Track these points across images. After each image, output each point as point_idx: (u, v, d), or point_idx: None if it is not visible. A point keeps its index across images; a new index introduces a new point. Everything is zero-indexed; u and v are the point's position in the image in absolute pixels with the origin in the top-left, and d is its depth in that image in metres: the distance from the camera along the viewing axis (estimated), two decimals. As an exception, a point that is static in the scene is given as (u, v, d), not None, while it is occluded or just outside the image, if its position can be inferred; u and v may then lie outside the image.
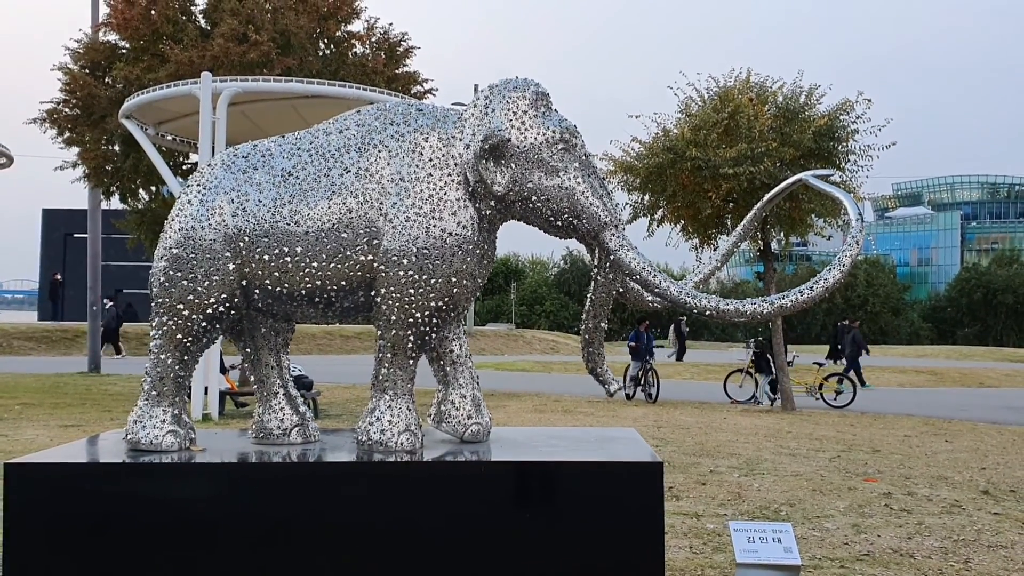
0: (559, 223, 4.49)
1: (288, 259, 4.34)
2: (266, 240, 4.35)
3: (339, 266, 4.34)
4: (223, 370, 13.48)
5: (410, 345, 4.41)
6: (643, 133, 16.23)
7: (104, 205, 21.70)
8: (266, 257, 4.35)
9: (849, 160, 15.91)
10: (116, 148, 17.16)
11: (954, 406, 18.03)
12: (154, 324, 4.50)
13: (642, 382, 17.93)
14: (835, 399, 17.10)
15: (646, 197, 16.63)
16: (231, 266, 4.39)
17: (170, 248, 4.44)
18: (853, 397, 16.96)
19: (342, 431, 5.18)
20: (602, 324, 4.82)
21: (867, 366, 29.91)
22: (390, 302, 4.33)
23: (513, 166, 4.38)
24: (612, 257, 4.49)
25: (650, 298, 4.79)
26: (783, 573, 4.30)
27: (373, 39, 18.13)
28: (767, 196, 5.25)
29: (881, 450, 10.77)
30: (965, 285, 63.06)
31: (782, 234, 17.30)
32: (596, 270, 4.69)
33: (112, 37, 17.06)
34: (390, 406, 4.45)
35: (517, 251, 65.20)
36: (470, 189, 4.41)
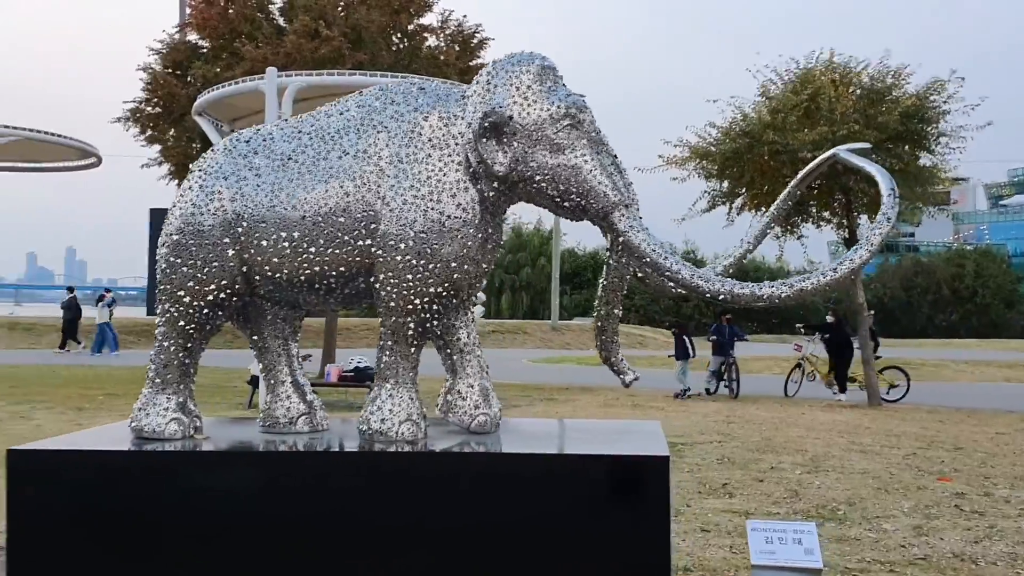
0: (567, 204, 4.26)
1: (286, 245, 4.24)
2: (264, 225, 4.27)
3: (337, 252, 4.21)
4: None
5: (410, 332, 4.26)
6: (720, 119, 15.69)
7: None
8: (264, 243, 4.27)
9: (940, 142, 15.12)
10: (198, 145, 17.60)
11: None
12: (158, 311, 4.48)
13: (724, 376, 17.42)
14: (887, 392, 16.18)
15: (724, 184, 16.16)
16: (230, 252, 4.32)
17: (171, 234, 4.41)
18: (907, 391, 16.06)
19: (352, 420, 5.07)
20: (615, 311, 4.58)
21: (970, 360, 28.52)
22: (388, 288, 4.19)
23: (515, 144, 4.17)
24: (621, 239, 4.23)
25: (671, 284, 4.51)
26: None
27: (447, 32, 18.13)
28: (800, 175, 4.94)
29: (964, 448, 10.13)
30: (1086, 275, 59.60)
31: (868, 220, 16.55)
32: (608, 254, 4.45)
33: (193, 37, 17.51)
34: (391, 395, 4.31)
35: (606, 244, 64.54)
36: (471, 170, 4.23)
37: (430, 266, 4.14)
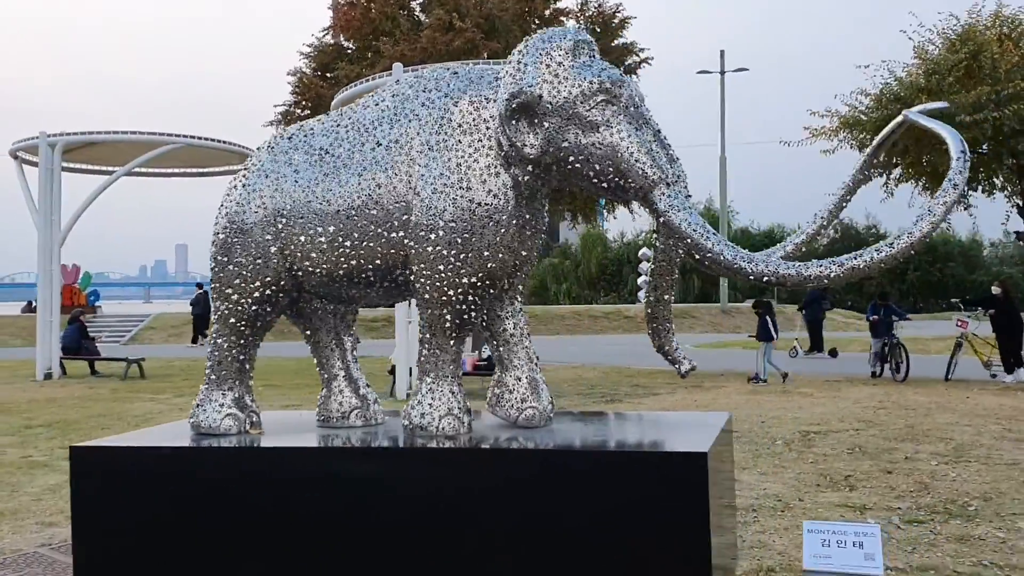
0: (605, 184, 4.04)
1: (323, 239, 4.24)
2: (302, 220, 4.29)
3: (372, 244, 4.17)
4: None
5: (447, 325, 4.16)
6: (870, 85, 14.65)
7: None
8: (302, 238, 4.29)
9: None
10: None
11: None
12: (212, 309, 4.59)
13: (888, 358, 16.25)
14: None
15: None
16: (272, 248, 4.37)
17: (218, 233, 4.51)
18: None
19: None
20: (666, 296, 4.31)
21: None
22: (422, 280, 4.11)
23: (547, 125, 3.97)
24: (662, 219, 3.97)
25: (714, 266, 4.15)
26: (859, 584, 3.62)
27: (587, 15, 17.85)
28: (876, 140, 4.49)
29: None
30: None
31: None
32: (655, 235, 4.19)
33: (339, 39, 18.09)
34: (431, 389, 4.23)
35: (782, 222, 62.02)
36: (503, 154, 4.07)
37: (462, 256, 4.02)
